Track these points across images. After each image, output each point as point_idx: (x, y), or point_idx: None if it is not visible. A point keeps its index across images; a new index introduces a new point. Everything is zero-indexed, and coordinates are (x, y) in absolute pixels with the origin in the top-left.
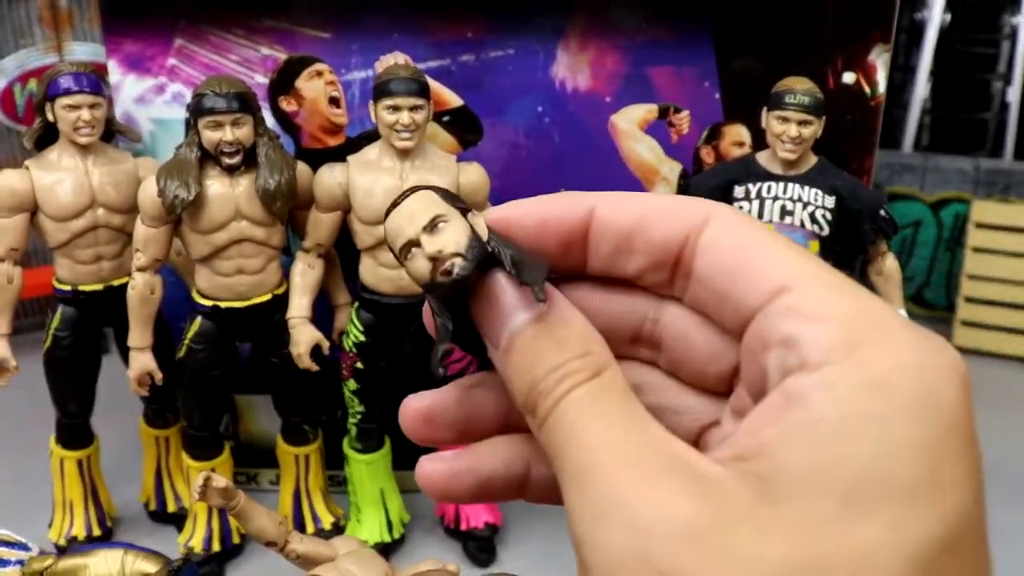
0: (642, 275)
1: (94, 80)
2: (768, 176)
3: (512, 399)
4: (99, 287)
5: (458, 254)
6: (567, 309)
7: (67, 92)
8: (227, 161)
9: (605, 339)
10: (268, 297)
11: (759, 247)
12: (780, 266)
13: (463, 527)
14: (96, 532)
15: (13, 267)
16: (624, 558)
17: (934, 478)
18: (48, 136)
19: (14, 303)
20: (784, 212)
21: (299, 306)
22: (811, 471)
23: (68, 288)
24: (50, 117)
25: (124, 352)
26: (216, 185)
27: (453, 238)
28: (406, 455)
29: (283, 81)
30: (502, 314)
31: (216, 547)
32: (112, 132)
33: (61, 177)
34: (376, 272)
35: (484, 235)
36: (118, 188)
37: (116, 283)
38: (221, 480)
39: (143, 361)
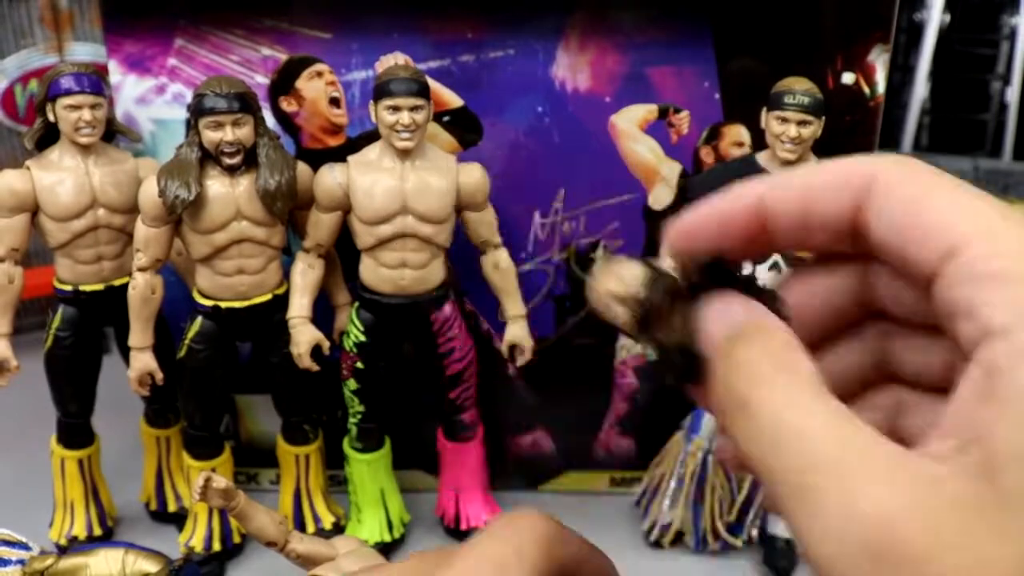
0: (831, 248)
1: (95, 80)
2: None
3: (719, 401)
4: (100, 287)
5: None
6: (780, 324)
7: (68, 92)
8: (227, 161)
9: (830, 318)
10: (268, 297)
11: (925, 203)
12: (948, 222)
13: (463, 527)
14: (97, 531)
15: (14, 267)
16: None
17: None
18: (49, 136)
19: (15, 303)
20: None
21: (299, 306)
22: None
23: (69, 288)
24: (51, 117)
25: (125, 352)
26: (217, 185)
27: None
28: (406, 455)
29: (283, 81)
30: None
31: (217, 546)
32: (113, 132)
33: (62, 177)
34: (376, 272)
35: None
36: (119, 188)
37: (117, 283)
38: (221, 481)
39: (144, 361)
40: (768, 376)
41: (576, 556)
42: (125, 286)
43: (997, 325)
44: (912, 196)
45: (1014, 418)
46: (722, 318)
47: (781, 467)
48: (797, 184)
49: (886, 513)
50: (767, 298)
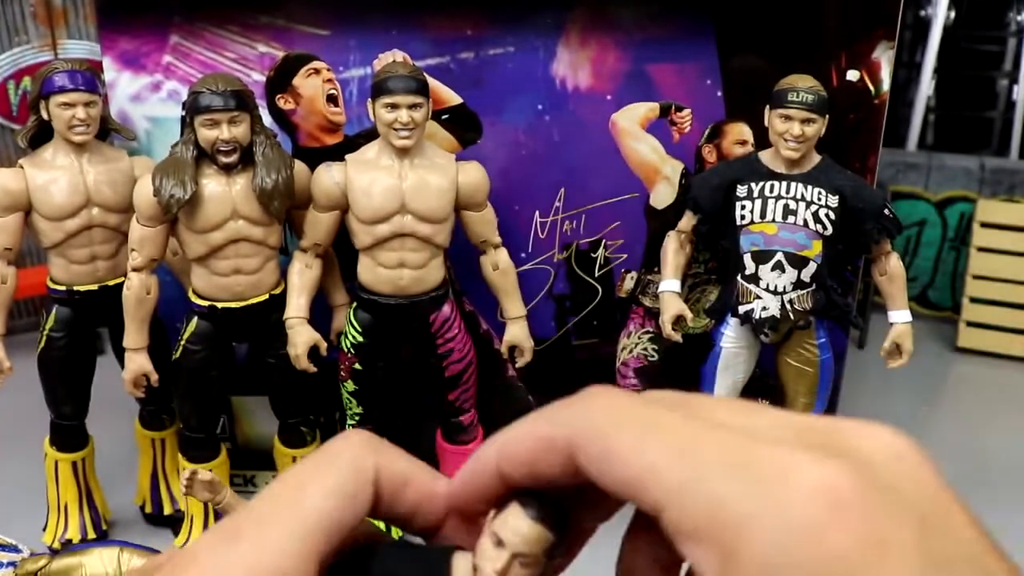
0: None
1: (89, 78)
2: (771, 175)
3: None
4: (94, 287)
5: None
6: None
7: (61, 90)
8: (224, 160)
9: None
10: (265, 297)
11: (618, 467)
12: (641, 485)
13: None
14: (91, 535)
15: (7, 267)
16: None
17: None
18: (42, 134)
19: (8, 303)
20: (787, 211)
21: (297, 306)
22: None
23: (63, 288)
24: (44, 115)
25: (119, 353)
26: (213, 184)
27: None
28: None
29: (280, 79)
30: None
31: None
32: (107, 130)
33: (56, 176)
34: (374, 272)
35: None
36: (113, 187)
37: (112, 283)
38: (207, 474)
39: (139, 362)
40: None
41: (405, 471)
42: (120, 286)
43: None
44: (607, 459)
45: None
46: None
47: None
48: (519, 453)
49: None
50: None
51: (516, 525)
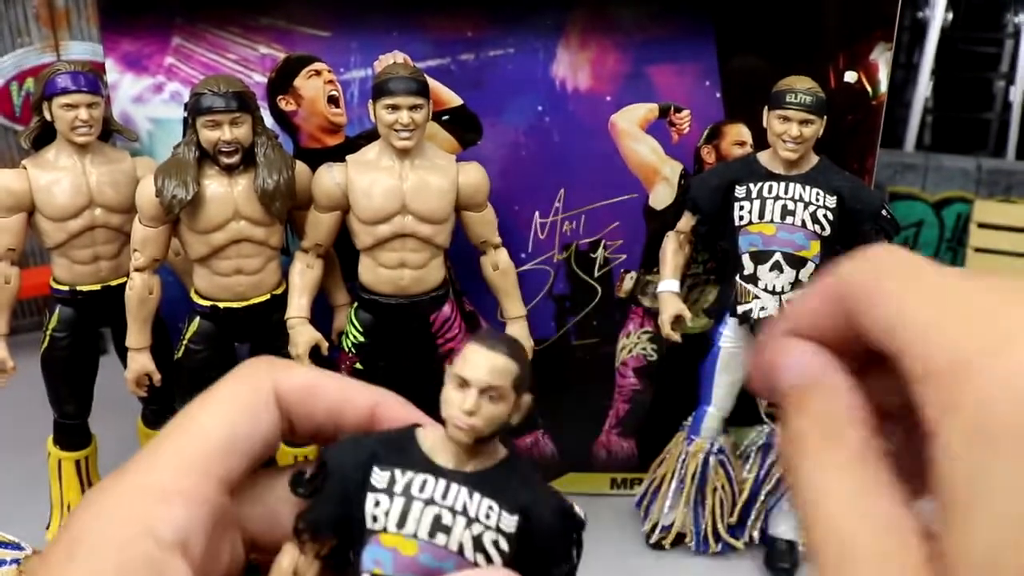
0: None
1: (92, 79)
2: (769, 176)
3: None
4: (97, 287)
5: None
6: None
7: (64, 91)
8: (225, 161)
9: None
10: (267, 297)
11: (910, 322)
12: (916, 307)
13: None
14: None
15: (11, 267)
16: None
17: None
18: (44, 136)
19: (12, 303)
20: (785, 212)
21: (298, 306)
22: (956, 564)
23: (66, 288)
24: (47, 116)
25: (122, 352)
26: (214, 185)
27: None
28: None
29: (282, 80)
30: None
31: None
32: (109, 131)
33: (59, 177)
34: (375, 272)
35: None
36: (116, 188)
37: (114, 283)
38: None
39: (141, 362)
40: (813, 451)
41: (307, 379)
42: (122, 286)
43: (931, 421)
44: (870, 303)
45: (946, 512)
46: (792, 365)
47: (817, 546)
48: (809, 305)
49: None
50: None
51: (476, 360)
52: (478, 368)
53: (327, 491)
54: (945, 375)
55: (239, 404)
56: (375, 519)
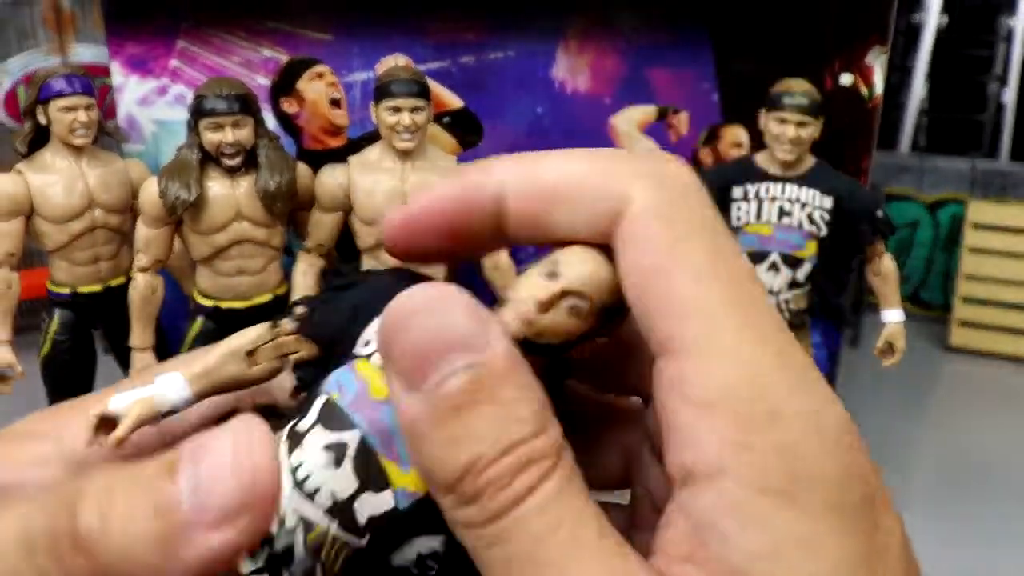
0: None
1: (86, 82)
2: (766, 177)
3: (424, 465)
4: (98, 288)
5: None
6: (515, 357)
7: (61, 94)
8: (228, 162)
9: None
10: (269, 297)
11: (664, 272)
12: (675, 309)
13: None
14: None
15: (11, 272)
16: None
17: None
18: (34, 141)
19: (14, 309)
20: (782, 213)
21: None
22: None
23: (67, 291)
24: (42, 120)
25: (117, 352)
26: (217, 186)
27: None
28: None
29: (284, 83)
30: (426, 346)
31: None
32: (98, 134)
33: (58, 179)
34: None
35: None
36: (113, 188)
37: (114, 283)
38: None
39: (146, 361)
40: (505, 465)
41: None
42: (122, 287)
43: (703, 467)
44: (653, 267)
45: None
46: (434, 345)
47: None
48: (545, 182)
49: None
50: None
51: (582, 261)
52: (578, 267)
53: (332, 310)
54: (730, 411)
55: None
56: (367, 343)
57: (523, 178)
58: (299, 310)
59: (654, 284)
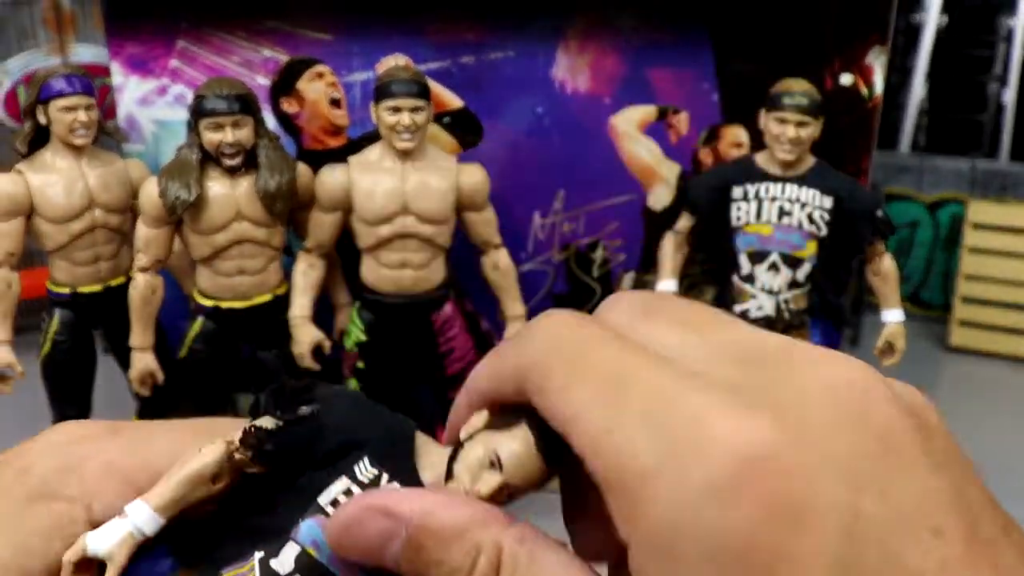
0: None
1: (86, 82)
2: (766, 177)
3: None
4: (98, 288)
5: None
6: (424, 509)
7: (61, 94)
8: (228, 162)
9: None
10: (269, 297)
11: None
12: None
13: None
14: None
15: (11, 272)
16: None
17: None
18: (34, 141)
19: (14, 309)
20: (782, 213)
21: (300, 305)
22: None
23: (67, 291)
24: (42, 120)
25: (117, 352)
26: (217, 186)
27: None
28: None
29: (284, 83)
30: (373, 554)
31: None
32: (97, 134)
33: (58, 179)
34: (377, 272)
35: None
36: (113, 188)
37: (114, 283)
38: None
39: (146, 361)
40: None
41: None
42: (121, 287)
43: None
44: (543, 399)
45: None
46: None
47: None
48: (481, 392)
49: None
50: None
51: (522, 456)
52: (520, 467)
53: (306, 428)
54: (623, 485)
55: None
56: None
57: (471, 386)
58: (252, 440)
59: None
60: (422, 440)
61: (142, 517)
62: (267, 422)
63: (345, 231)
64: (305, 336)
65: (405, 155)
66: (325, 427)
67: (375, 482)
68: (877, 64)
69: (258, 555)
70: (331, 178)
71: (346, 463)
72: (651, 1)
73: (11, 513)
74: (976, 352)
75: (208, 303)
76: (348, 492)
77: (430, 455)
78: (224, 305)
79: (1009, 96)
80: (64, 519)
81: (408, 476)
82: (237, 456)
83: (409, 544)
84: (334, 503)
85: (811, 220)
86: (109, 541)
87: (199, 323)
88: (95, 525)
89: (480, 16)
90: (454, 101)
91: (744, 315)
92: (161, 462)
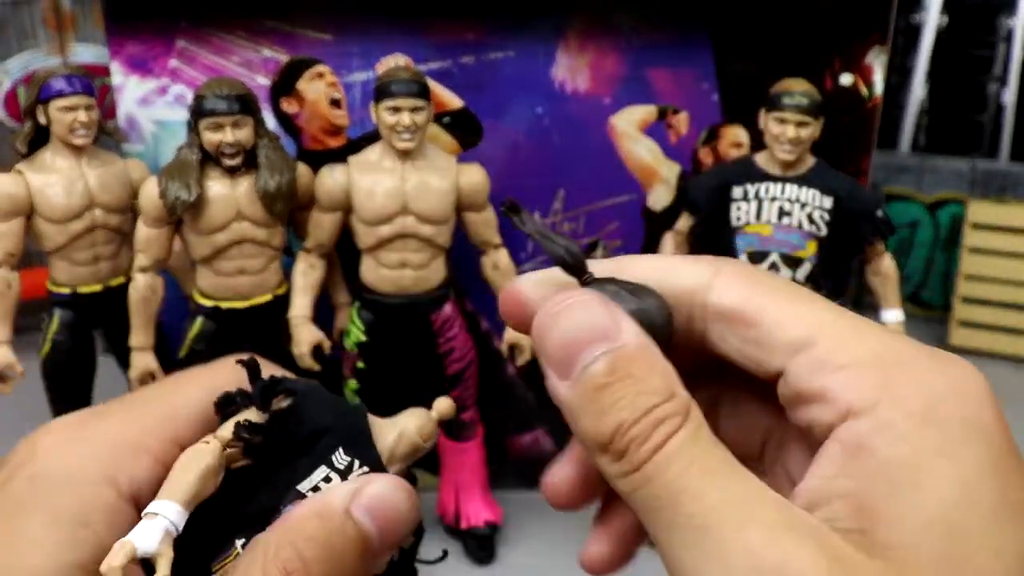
0: None
1: (86, 82)
2: (766, 177)
3: (581, 436)
4: (98, 288)
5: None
6: (643, 340)
7: (61, 94)
8: (228, 163)
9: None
10: (269, 297)
11: (769, 300)
12: (796, 319)
13: (463, 526)
14: None
15: (11, 272)
16: None
17: (1007, 498)
18: (34, 141)
19: (13, 309)
20: (782, 213)
21: (300, 305)
22: (906, 522)
23: (67, 291)
24: (42, 120)
25: (117, 353)
26: (217, 186)
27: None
28: None
29: (284, 83)
30: (571, 342)
31: None
32: (97, 134)
33: (58, 179)
34: (377, 272)
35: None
36: (113, 188)
37: (114, 283)
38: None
39: (146, 361)
40: (645, 425)
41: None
42: (121, 287)
43: (857, 406)
44: (754, 290)
45: (883, 492)
46: (578, 337)
47: (676, 514)
48: (644, 267)
49: (782, 554)
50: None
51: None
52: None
53: (288, 420)
54: (875, 367)
55: (217, 387)
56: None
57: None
58: (244, 434)
59: (764, 311)
60: (373, 422)
61: (174, 514)
62: (253, 415)
63: (345, 231)
64: (305, 336)
65: (405, 155)
66: (302, 419)
67: (349, 468)
68: (877, 64)
69: (239, 542)
70: (331, 178)
71: (323, 452)
72: (651, 1)
73: (44, 522)
74: (976, 352)
75: (208, 303)
76: (327, 479)
77: (384, 437)
78: (224, 305)
79: (1009, 96)
80: (98, 501)
81: (374, 462)
82: (229, 450)
83: (618, 357)
84: (315, 489)
85: (811, 220)
86: (154, 540)
87: (199, 323)
88: (132, 498)
89: (480, 16)
90: (454, 101)
91: None
92: (160, 425)
